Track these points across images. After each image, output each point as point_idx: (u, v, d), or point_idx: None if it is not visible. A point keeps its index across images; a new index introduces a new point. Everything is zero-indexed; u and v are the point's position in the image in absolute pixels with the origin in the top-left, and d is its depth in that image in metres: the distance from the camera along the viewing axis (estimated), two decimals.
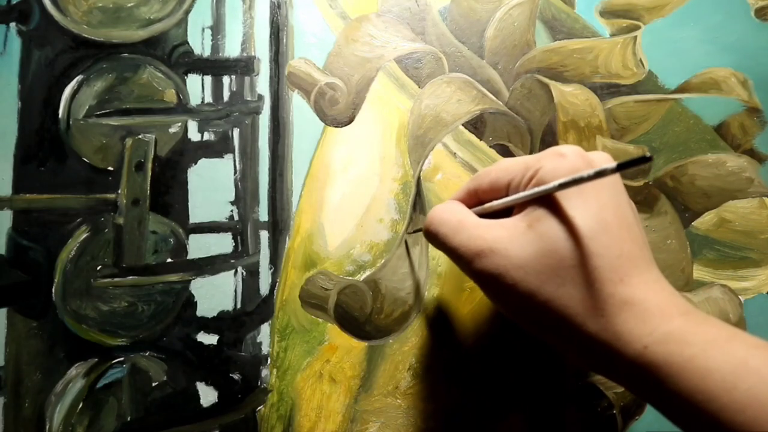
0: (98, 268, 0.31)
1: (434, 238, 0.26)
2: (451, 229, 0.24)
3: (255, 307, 0.32)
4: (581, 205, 0.22)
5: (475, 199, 0.26)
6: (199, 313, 0.31)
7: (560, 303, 0.22)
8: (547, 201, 0.23)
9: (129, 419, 0.30)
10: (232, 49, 0.33)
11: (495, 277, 0.23)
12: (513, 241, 0.23)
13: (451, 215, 0.25)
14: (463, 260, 0.24)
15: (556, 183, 0.22)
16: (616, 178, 0.24)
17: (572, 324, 0.22)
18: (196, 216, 0.32)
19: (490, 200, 0.25)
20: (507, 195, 0.25)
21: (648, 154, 0.18)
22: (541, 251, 0.22)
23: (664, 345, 0.20)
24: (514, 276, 0.22)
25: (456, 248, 0.24)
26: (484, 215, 0.25)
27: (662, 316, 0.21)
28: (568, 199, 0.22)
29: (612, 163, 0.19)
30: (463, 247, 0.24)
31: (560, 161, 0.23)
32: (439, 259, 0.33)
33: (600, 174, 0.20)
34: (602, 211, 0.22)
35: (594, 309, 0.21)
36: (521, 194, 0.23)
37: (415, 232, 0.32)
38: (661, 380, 0.20)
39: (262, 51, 0.33)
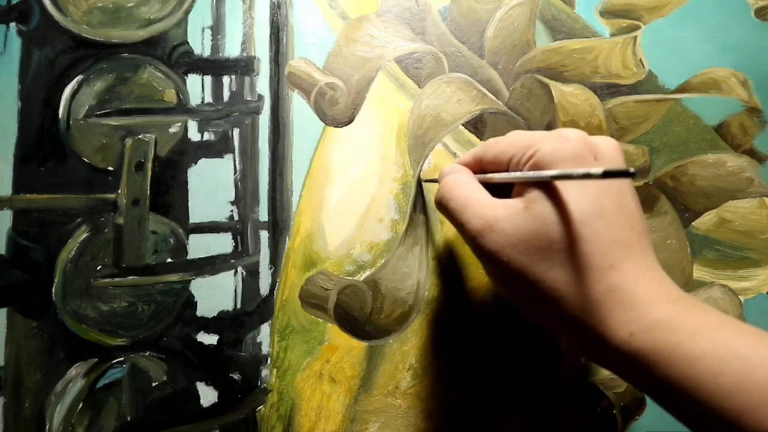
0: (98, 268, 0.31)
1: (444, 211, 0.27)
2: (459, 206, 0.25)
3: (255, 307, 0.32)
4: (579, 190, 0.22)
5: (479, 166, 0.27)
6: (199, 313, 0.31)
7: (548, 285, 0.22)
8: (545, 183, 0.23)
9: (129, 419, 0.30)
10: (232, 49, 0.33)
11: (492, 255, 0.23)
12: (509, 221, 0.23)
13: (460, 190, 0.26)
14: (468, 236, 0.25)
15: (548, 174, 0.22)
16: (621, 164, 0.24)
17: (559, 307, 0.22)
18: (196, 216, 0.32)
19: (492, 171, 0.26)
20: (508, 169, 0.25)
21: (632, 170, 0.18)
22: (533, 232, 0.22)
23: (650, 333, 0.20)
24: (508, 254, 0.23)
25: (462, 225, 0.25)
26: (486, 185, 0.26)
27: (650, 303, 0.21)
28: (566, 184, 0.23)
29: (599, 169, 0.19)
30: (468, 224, 0.24)
31: (561, 144, 0.23)
32: (439, 259, 0.33)
33: (587, 176, 0.20)
34: (601, 196, 0.22)
35: (581, 294, 0.22)
36: (517, 174, 0.24)
37: (427, 181, 0.33)
38: (648, 367, 0.20)
39: (262, 51, 0.33)
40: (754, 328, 0.20)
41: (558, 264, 0.22)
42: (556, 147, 0.23)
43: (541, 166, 0.23)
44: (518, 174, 0.24)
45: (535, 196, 0.23)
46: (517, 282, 0.23)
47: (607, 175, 0.19)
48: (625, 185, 0.24)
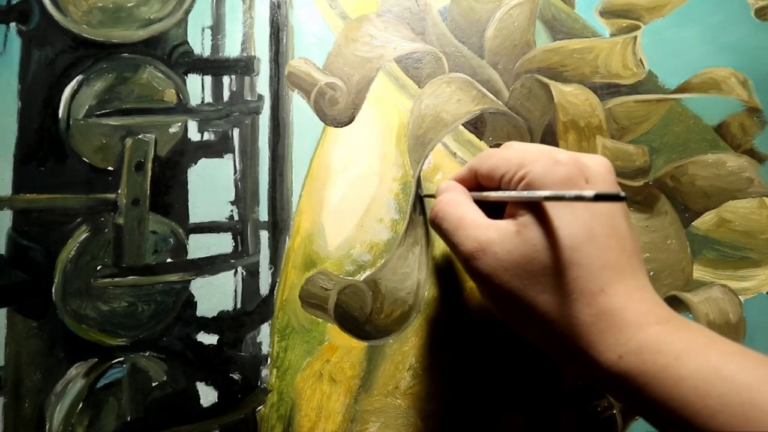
0: (98, 268, 0.31)
1: (438, 230, 0.27)
2: (453, 226, 0.25)
3: (255, 307, 0.32)
4: (570, 215, 0.23)
5: (474, 181, 0.27)
6: (199, 313, 0.31)
7: (540, 309, 0.23)
8: (536, 207, 0.23)
9: (129, 419, 0.30)
10: (232, 49, 0.33)
11: (486, 277, 0.24)
12: (502, 244, 0.23)
13: (455, 210, 0.26)
14: (461, 257, 0.25)
15: (541, 195, 0.22)
16: (613, 186, 0.24)
17: (551, 330, 0.23)
18: (196, 216, 0.32)
19: (486, 185, 0.27)
20: (500, 185, 0.26)
21: (623, 194, 0.19)
22: (525, 257, 0.23)
23: (638, 354, 0.21)
24: (501, 277, 0.23)
25: (455, 246, 0.25)
26: (480, 202, 0.26)
27: (638, 325, 0.21)
28: (557, 208, 0.23)
29: (591, 192, 0.20)
30: (461, 246, 0.25)
31: (552, 167, 0.23)
32: (439, 259, 0.33)
33: (579, 198, 0.20)
34: (592, 220, 0.23)
35: (571, 318, 0.22)
36: (510, 194, 0.24)
37: (426, 197, 0.33)
38: (637, 388, 0.21)
39: (262, 51, 0.33)
40: (741, 347, 0.21)
41: (549, 289, 0.22)
42: (547, 170, 0.23)
43: (532, 187, 0.23)
44: (512, 193, 0.24)
45: (527, 220, 0.23)
46: (509, 304, 0.24)
47: (599, 198, 0.20)
48: (617, 207, 0.24)
